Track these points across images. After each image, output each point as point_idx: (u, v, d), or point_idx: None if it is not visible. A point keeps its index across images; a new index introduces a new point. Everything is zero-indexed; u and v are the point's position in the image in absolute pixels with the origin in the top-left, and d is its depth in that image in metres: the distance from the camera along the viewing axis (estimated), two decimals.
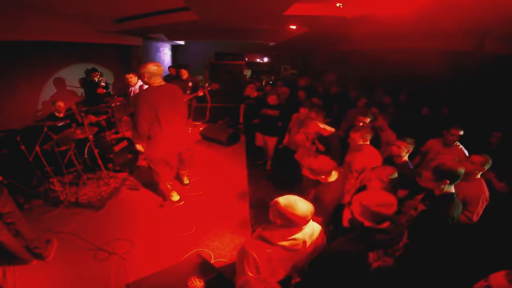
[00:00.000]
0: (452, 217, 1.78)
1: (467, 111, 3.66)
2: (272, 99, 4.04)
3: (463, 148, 2.80)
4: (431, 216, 1.81)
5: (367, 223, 1.50)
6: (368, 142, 2.64)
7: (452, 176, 1.79)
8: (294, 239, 1.45)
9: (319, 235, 1.63)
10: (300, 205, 1.43)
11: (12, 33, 3.32)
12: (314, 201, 2.07)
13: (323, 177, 2.09)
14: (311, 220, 1.53)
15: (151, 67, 2.67)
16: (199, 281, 1.72)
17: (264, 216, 3.13)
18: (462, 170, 1.80)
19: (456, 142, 2.82)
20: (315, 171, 2.06)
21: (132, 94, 4.57)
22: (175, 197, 3.33)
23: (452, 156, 2.30)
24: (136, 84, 4.54)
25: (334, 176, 2.12)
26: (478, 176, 2.20)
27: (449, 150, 2.80)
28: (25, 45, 3.66)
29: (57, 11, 3.77)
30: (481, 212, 2.14)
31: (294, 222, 1.42)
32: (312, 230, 1.57)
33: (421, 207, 1.92)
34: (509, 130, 2.97)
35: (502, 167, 2.45)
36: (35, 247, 2.36)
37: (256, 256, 1.41)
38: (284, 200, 1.46)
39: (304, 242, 1.48)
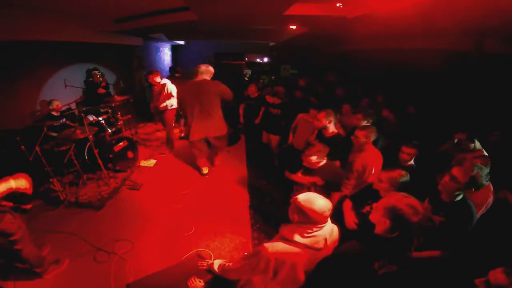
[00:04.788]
0: (472, 222, 1.74)
1: (466, 110, 3.66)
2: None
3: (484, 152, 2.70)
4: (453, 226, 1.74)
5: (378, 229, 1.47)
6: (370, 142, 2.64)
7: (478, 187, 1.73)
8: (314, 236, 1.43)
9: (338, 235, 1.62)
10: (319, 201, 1.44)
11: (12, 33, 3.31)
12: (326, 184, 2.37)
13: (321, 160, 2.36)
14: (329, 220, 1.52)
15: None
16: (199, 281, 1.72)
17: (264, 216, 3.15)
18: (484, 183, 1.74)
19: (477, 145, 2.69)
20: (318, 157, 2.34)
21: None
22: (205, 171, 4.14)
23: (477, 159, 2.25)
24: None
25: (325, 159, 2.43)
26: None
27: (472, 155, 2.68)
28: (25, 45, 3.66)
29: (57, 11, 3.76)
30: (480, 215, 2.08)
31: (312, 219, 1.41)
32: (331, 228, 1.56)
33: (437, 218, 1.84)
34: (508, 129, 2.97)
35: (502, 165, 2.42)
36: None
37: (277, 259, 1.39)
38: (304, 196, 1.48)
39: (325, 240, 1.46)
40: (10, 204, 1.96)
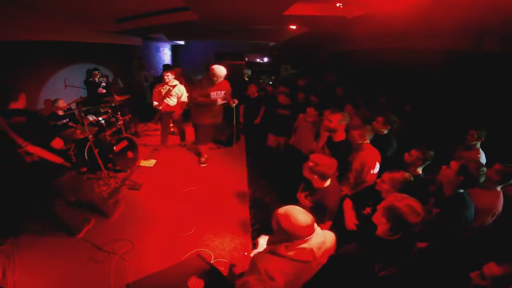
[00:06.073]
0: (466, 216, 1.78)
1: (465, 109, 3.66)
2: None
3: (482, 153, 2.76)
4: (445, 218, 1.79)
5: (380, 230, 1.46)
6: (367, 141, 2.60)
7: (471, 179, 1.79)
8: (300, 248, 1.38)
9: (333, 243, 1.56)
10: (298, 217, 1.36)
11: (12, 33, 3.31)
12: (314, 208, 2.00)
13: (323, 181, 2.01)
14: (318, 229, 1.46)
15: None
16: (199, 281, 1.72)
17: (264, 216, 3.15)
18: (481, 179, 1.81)
19: (477, 145, 2.79)
20: (314, 171, 1.98)
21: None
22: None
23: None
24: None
25: (328, 181, 2.05)
26: (498, 188, 2.05)
27: (468, 153, 2.76)
28: (25, 45, 3.66)
29: (57, 11, 3.76)
30: (486, 224, 2.06)
31: (293, 235, 1.36)
32: (322, 239, 1.47)
33: (435, 210, 1.90)
34: (508, 129, 2.97)
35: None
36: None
37: (268, 270, 1.34)
38: (283, 211, 1.40)
39: (311, 250, 1.40)
40: (69, 165, 2.52)
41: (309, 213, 1.42)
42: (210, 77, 3.89)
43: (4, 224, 2.74)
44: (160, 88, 4.76)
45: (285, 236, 1.37)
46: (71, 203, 2.88)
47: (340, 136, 2.71)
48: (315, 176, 1.99)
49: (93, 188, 3.42)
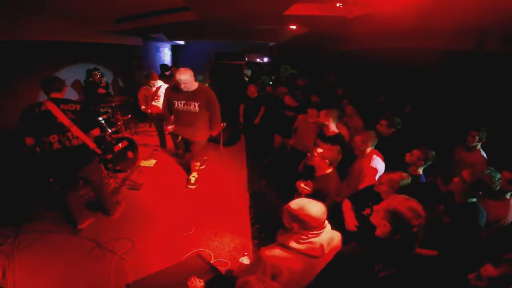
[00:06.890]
0: (480, 225, 1.77)
1: (466, 109, 3.66)
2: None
3: (483, 153, 2.75)
4: (458, 227, 1.79)
5: (379, 231, 1.46)
6: (371, 148, 2.53)
7: (488, 191, 1.78)
8: (310, 242, 1.40)
9: (340, 241, 1.58)
10: (312, 205, 1.41)
11: (12, 33, 3.31)
12: (313, 195, 2.09)
13: (330, 166, 2.16)
14: (328, 226, 1.49)
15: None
16: (199, 281, 1.72)
17: (264, 216, 3.15)
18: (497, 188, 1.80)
19: (478, 146, 2.77)
20: (325, 157, 2.15)
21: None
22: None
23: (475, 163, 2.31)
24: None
25: (331, 168, 2.22)
26: (508, 196, 2.02)
27: (469, 154, 2.75)
28: (25, 45, 3.66)
29: (57, 11, 3.77)
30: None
31: (308, 224, 1.38)
32: (330, 235, 1.51)
33: (446, 219, 1.87)
34: (509, 129, 2.97)
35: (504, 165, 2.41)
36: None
37: (275, 264, 1.37)
38: (295, 203, 1.44)
39: (322, 246, 1.42)
40: (99, 151, 2.73)
41: (319, 202, 1.45)
42: (175, 82, 3.18)
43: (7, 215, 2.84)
44: (144, 92, 4.75)
45: (301, 226, 1.39)
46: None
47: (331, 131, 2.88)
48: (327, 161, 2.14)
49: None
